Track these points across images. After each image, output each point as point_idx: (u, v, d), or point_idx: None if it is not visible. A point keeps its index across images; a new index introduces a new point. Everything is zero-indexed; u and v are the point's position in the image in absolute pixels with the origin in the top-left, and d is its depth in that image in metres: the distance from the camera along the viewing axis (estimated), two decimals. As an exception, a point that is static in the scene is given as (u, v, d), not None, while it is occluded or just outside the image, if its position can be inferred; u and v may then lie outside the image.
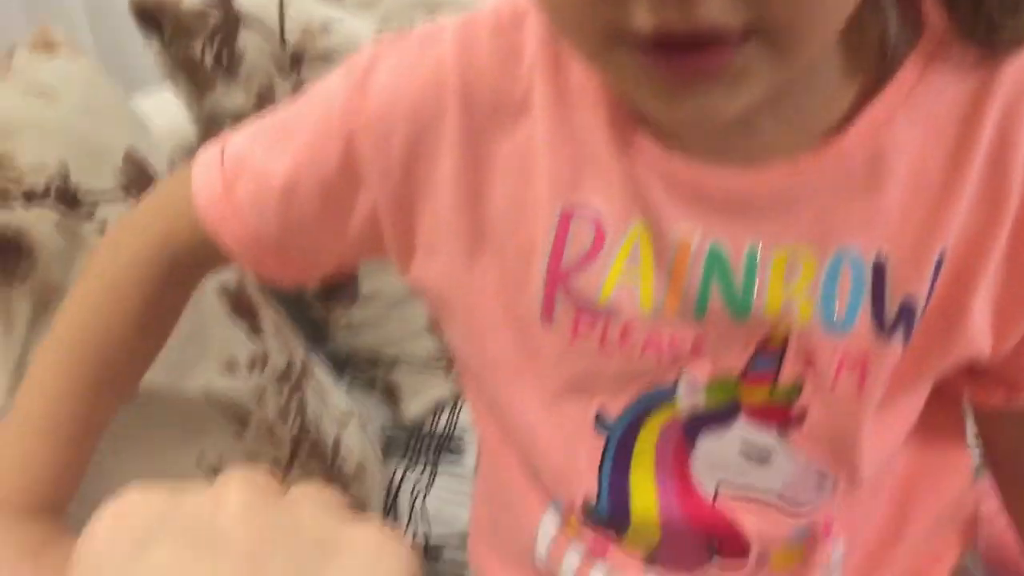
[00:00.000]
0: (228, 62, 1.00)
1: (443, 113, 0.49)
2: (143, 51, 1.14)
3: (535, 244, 0.49)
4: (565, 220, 0.49)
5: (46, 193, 0.66)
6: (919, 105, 0.44)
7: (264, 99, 1.01)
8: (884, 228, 0.45)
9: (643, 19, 0.34)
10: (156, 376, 0.67)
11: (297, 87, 1.01)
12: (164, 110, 1.00)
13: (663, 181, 0.47)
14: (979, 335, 0.47)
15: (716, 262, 0.47)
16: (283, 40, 1.03)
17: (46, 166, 0.67)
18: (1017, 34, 0.42)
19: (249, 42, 1.01)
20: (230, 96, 1.01)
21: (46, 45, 0.79)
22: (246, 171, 0.54)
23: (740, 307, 0.47)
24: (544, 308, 0.51)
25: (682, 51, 0.35)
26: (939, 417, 0.55)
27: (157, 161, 0.79)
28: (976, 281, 0.46)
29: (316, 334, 1.16)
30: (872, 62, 0.44)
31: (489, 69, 0.49)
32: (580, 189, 0.48)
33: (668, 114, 0.43)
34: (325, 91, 0.53)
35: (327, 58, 1.03)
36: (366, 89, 0.51)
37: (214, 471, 0.75)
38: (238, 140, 0.56)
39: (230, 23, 1.00)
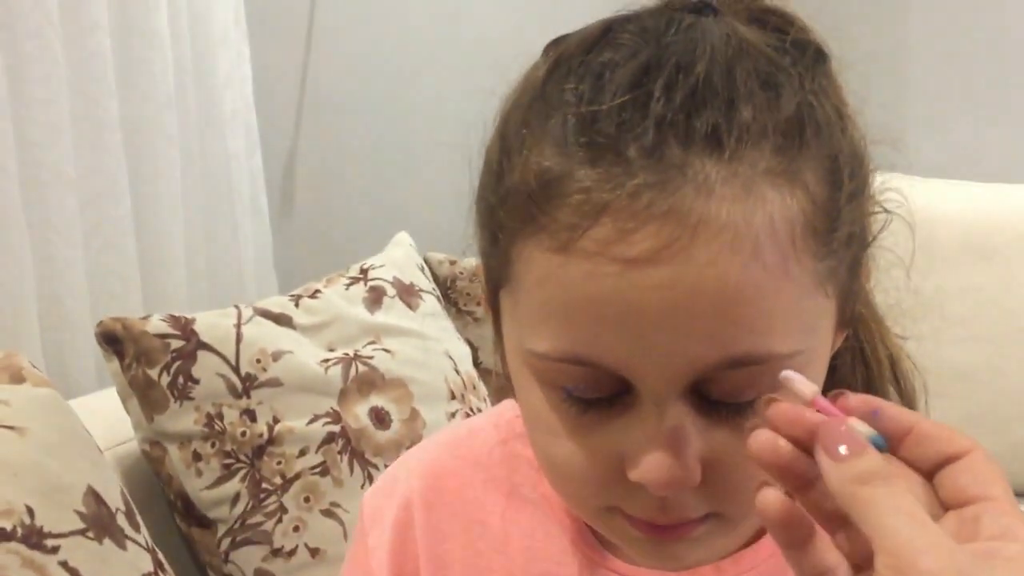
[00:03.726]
0: (183, 386, 1.01)
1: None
2: (84, 359, 1.21)
3: None
4: None
5: (12, 534, 0.71)
6: None
7: (212, 422, 1.02)
8: None
9: (636, 511, 0.45)
10: None
11: (245, 412, 1.03)
12: (105, 422, 1.00)
13: None
14: None
15: None
16: (237, 367, 1.04)
17: (14, 511, 0.72)
18: None
19: (205, 368, 1.02)
20: (180, 418, 1.01)
21: (12, 372, 0.84)
22: None
23: None
24: None
25: (659, 527, 0.45)
26: None
27: (112, 494, 0.83)
28: None
29: None
30: None
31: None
32: None
33: (644, 562, 0.52)
34: None
35: (276, 384, 1.05)
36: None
37: None
38: None
39: (190, 350, 1.02)
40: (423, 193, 1.81)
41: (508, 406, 0.62)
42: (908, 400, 0.56)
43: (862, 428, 0.36)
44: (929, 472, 0.37)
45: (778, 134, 0.40)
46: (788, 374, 0.39)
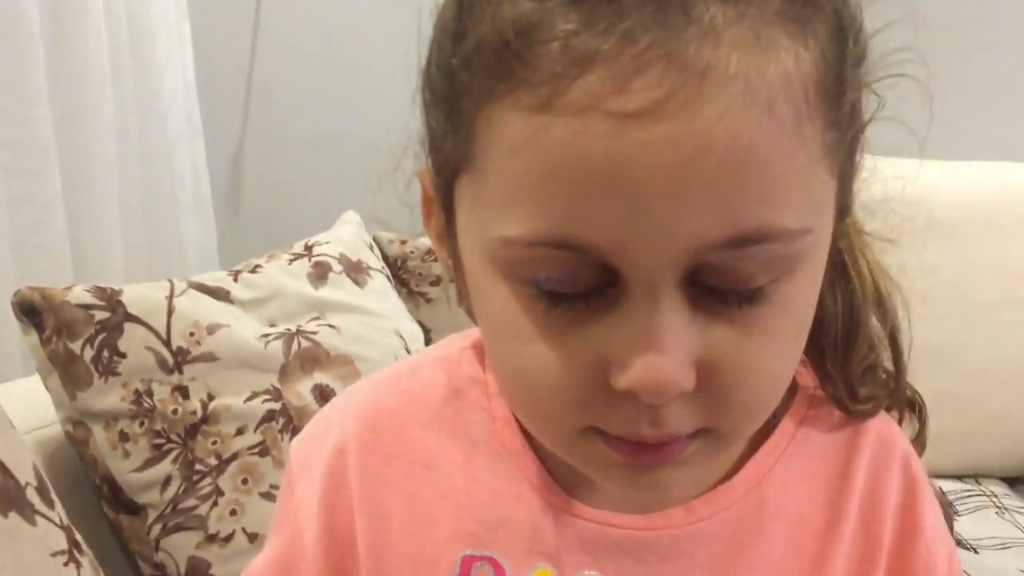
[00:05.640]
0: (108, 361, 0.94)
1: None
2: (7, 346, 1.16)
3: None
4: (467, 565, 0.50)
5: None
6: (796, 457, 0.51)
7: (141, 399, 0.95)
8: (771, 573, 0.49)
9: (620, 427, 0.39)
10: None
11: (176, 388, 0.97)
12: (23, 406, 0.92)
13: (571, 529, 0.49)
14: None
15: None
16: (168, 340, 0.97)
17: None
18: (874, 405, 0.51)
19: (132, 341, 0.95)
20: (106, 396, 0.94)
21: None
22: None
23: None
24: None
25: (645, 447, 0.40)
26: None
27: (22, 467, 0.76)
28: None
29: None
30: None
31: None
32: (485, 536, 0.50)
33: (627, 492, 0.48)
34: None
35: (210, 359, 0.99)
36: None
37: None
38: None
39: (116, 322, 0.95)
40: (372, 181, 1.76)
41: (453, 340, 0.56)
42: (890, 320, 0.51)
43: None
44: None
45: None
46: None
